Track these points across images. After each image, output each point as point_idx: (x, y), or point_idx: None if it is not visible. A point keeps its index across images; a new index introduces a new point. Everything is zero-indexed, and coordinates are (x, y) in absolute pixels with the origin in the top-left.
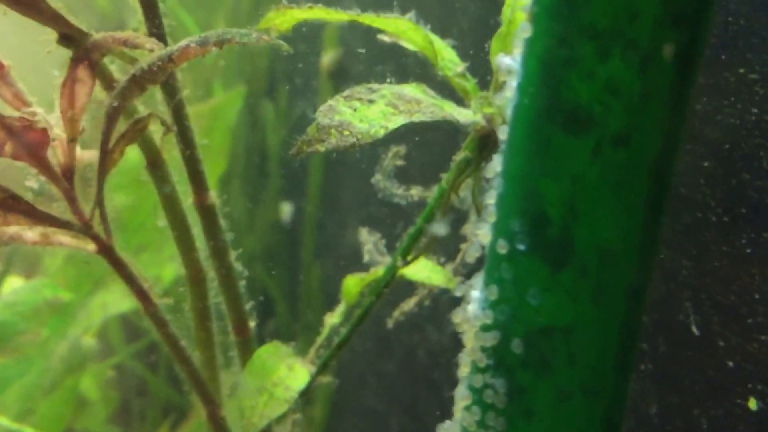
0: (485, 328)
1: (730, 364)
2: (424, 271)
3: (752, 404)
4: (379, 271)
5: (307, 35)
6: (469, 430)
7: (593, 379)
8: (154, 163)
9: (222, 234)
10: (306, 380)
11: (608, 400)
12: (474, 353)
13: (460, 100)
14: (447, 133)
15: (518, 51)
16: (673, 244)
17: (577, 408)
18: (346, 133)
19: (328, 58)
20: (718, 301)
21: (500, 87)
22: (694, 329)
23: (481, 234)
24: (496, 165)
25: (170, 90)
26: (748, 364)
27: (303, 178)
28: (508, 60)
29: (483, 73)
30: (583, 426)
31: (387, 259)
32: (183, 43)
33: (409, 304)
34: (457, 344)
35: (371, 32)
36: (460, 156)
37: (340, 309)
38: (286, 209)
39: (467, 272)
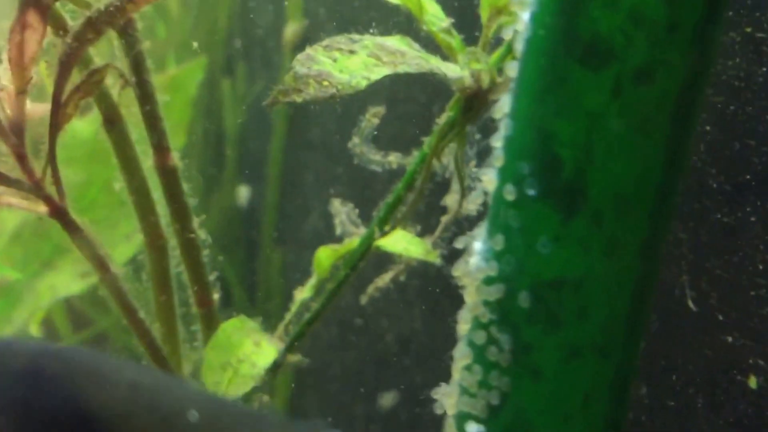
0: (489, 281)
1: (729, 340)
2: (401, 242)
3: (752, 382)
4: (353, 243)
5: (268, 4)
6: (469, 390)
7: (604, 337)
8: (111, 120)
9: (184, 198)
10: (273, 357)
11: (619, 360)
12: (476, 308)
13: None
14: (428, 96)
15: None
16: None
17: (587, 367)
18: (325, 83)
19: (291, 30)
20: (716, 274)
21: (489, 44)
22: (691, 304)
23: (485, 179)
24: (503, 105)
25: (129, 40)
26: (748, 340)
27: (262, 159)
28: None
29: (469, 30)
30: (592, 386)
31: (361, 231)
32: None
33: (384, 279)
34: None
35: (339, 1)
36: (443, 118)
37: (311, 282)
38: (243, 193)
39: (447, 246)
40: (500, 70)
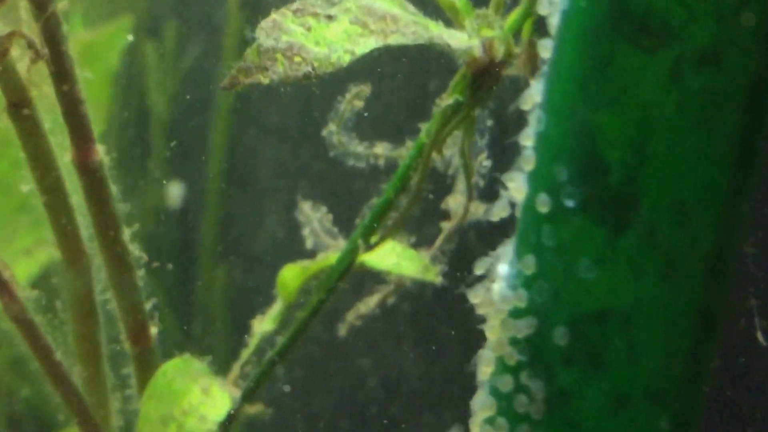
0: (517, 314)
1: None
2: (391, 257)
3: None
4: (328, 259)
5: None
6: None
7: (659, 381)
8: (19, 104)
9: (112, 203)
10: (226, 408)
11: (677, 409)
12: (501, 347)
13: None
14: (426, 69)
15: None
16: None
17: (637, 419)
18: (298, 59)
19: None
20: None
21: (502, 5)
22: (761, 337)
23: (512, 187)
24: (534, 94)
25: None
26: None
27: (200, 147)
28: None
29: None
30: None
31: (339, 243)
32: None
33: (368, 305)
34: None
35: None
36: (446, 100)
37: (275, 310)
38: (175, 191)
39: (452, 260)
40: (517, 37)
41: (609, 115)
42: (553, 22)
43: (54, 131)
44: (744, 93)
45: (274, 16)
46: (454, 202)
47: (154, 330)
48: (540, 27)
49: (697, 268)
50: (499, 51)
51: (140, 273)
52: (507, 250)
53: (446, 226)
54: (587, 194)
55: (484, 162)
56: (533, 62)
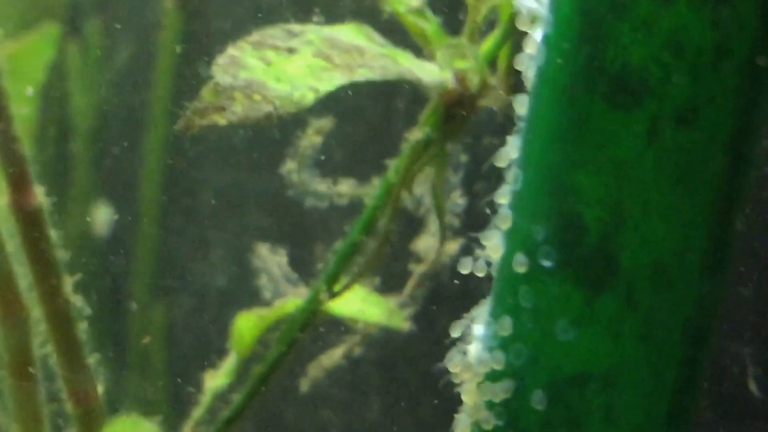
0: (494, 377)
1: None
2: (353, 302)
3: None
4: (286, 306)
5: None
6: None
7: None
8: None
9: (52, 251)
10: None
11: None
12: (477, 412)
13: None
14: (393, 100)
15: None
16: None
17: None
18: (257, 97)
19: None
20: None
21: (477, 31)
22: (753, 387)
23: (489, 246)
24: (510, 150)
25: None
26: None
27: (131, 164)
28: (531, 1)
29: (449, 11)
30: None
31: (299, 290)
32: None
33: (333, 357)
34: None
35: None
36: (416, 134)
37: (229, 364)
38: (103, 215)
39: (424, 306)
40: (493, 65)
41: (586, 174)
42: (529, 75)
43: None
44: (722, 150)
45: (232, 51)
46: (425, 243)
47: (99, 388)
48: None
49: (677, 329)
50: (474, 82)
51: (83, 326)
52: (483, 310)
53: (417, 268)
54: (564, 254)
55: (457, 199)
56: (510, 92)
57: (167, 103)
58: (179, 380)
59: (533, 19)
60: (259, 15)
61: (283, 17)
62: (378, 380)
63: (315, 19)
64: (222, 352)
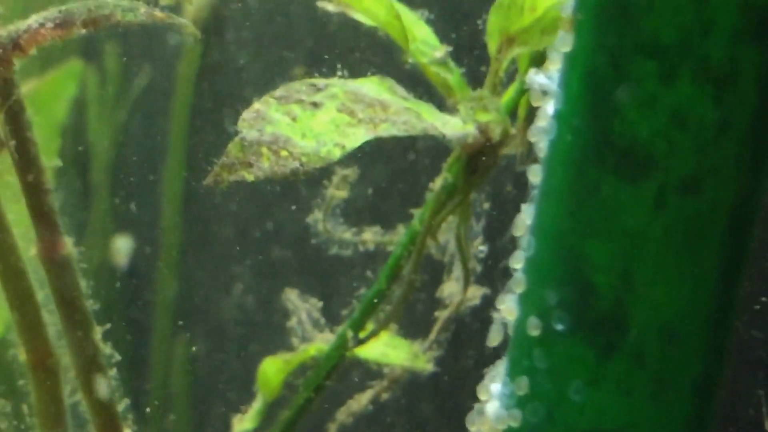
0: None
1: None
2: (377, 345)
3: None
4: (309, 351)
5: None
6: None
7: None
8: None
9: (82, 299)
10: None
11: None
12: None
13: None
14: (416, 150)
15: (556, 67)
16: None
17: None
18: (284, 153)
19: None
20: None
21: (500, 83)
22: None
23: (504, 309)
24: (525, 218)
25: (4, 87)
26: None
27: (152, 194)
28: (543, 78)
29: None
30: None
31: (326, 336)
32: (32, 21)
33: (360, 402)
34: None
35: None
36: (439, 182)
37: (256, 408)
38: (122, 246)
39: (449, 348)
40: (513, 116)
41: (596, 242)
42: (541, 148)
43: (17, 222)
44: (726, 218)
45: (257, 105)
46: (449, 289)
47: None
48: None
49: (686, 387)
50: (496, 133)
51: (112, 373)
52: (500, 369)
53: (442, 314)
54: (576, 319)
55: (479, 246)
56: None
57: (184, 128)
58: (201, 414)
59: (546, 95)
60: (277, 46)
61: (299, 47)
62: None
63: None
64: (245, 388)
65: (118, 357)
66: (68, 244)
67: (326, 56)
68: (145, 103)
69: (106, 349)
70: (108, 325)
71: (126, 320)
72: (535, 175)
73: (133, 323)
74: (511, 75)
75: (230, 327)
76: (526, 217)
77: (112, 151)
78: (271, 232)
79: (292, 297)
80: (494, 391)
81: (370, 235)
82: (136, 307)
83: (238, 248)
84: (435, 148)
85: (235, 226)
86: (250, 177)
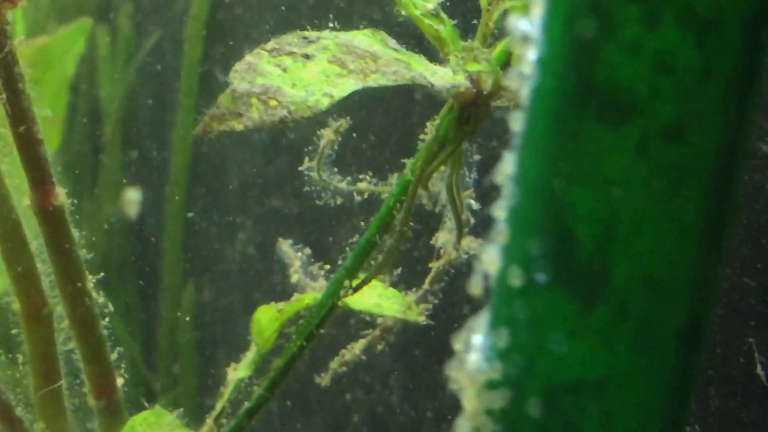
0: (492, 385)
1: None
2: (371, 296)
3: None
4: (303, 300)
5: None
6: None
7: None
8: None
9: (75, 249)
10: None
11: None
12: (476, 418)
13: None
14: (409, 101)
15: (538, 11)
16: (731, 258)
17: None
18: (274, 103)
19: None
20: None
21: (490, 34)
22: (761, 372)
23: (486, 259)
24: (506, 166)
25: None
26: None
27: (160, 149)
28: (524, 24)
29: (464, 13)
30: None
31: (319, 285)
32: None
33: (353, 351)
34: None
35: None
36: (432, 134)
37: (250, 357)
38: (132, 198)
39: (445, 299)
40: (506, 67)
41: (578, 190)
42: (523, 95)
43: (10, 173)
44: (711, 165)
45: (249, 57)
46: (443, 239)
47: (120, 381)
48: None
49: (670, 338)
50: (487, 84)
51: (105, 322)
52: (481, 321)
53: (435, 264)
54: (558, 269)
55: (470, 197)
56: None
57: (193, 89)
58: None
59: (527, 41)
60: (282, 6)
61: (303, 8)
62: (397, 363)
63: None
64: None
65: (110, 307)
66: (61, 195)
67: (330, 14)
68: (155, 61)
69: (100, 298)
70: (115, 275)
71: (134, 272)
72: (517, 122)
73: (143, 274)
74: (502, 29)
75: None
76: (508, 165)
77: (120, 106)
78: (275, 184)
79: (284, 247)
80: (476, 343)
81: (364, 185)
82: (147, 259)
83: (238, 199)
84: (428, 99)
85: (239, 172)
86: (239, 126)
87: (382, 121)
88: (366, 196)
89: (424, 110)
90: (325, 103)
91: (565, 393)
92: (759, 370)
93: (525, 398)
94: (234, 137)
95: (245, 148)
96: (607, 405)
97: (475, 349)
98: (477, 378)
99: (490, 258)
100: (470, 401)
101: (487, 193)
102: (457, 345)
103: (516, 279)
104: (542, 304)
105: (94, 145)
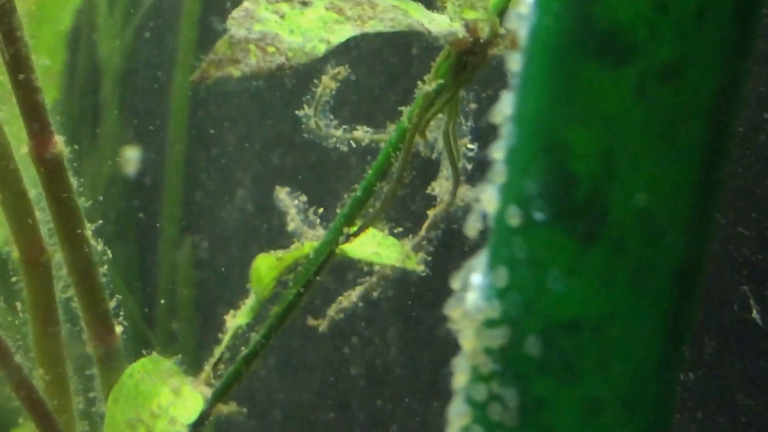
0: (491, 324)
1: None
2: (369, 245)
3: None
4: (302, 249)
5: None
6: None
7: (632, 387)
8: None
9: (73, 197)
10: (198, 409)
11: (650, 414)
12: (476, 356)
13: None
14: (407, 49)
15: None
16: (726, 207)
17: (610, 424)
18: (271, 49)
19: None
20: None
21: None
22: (756, 317)
23: (484, 199)
24: (505, 106)
25: None
26: None
27: (158, 106)
28: None
29: None
30: None
31: (317, 233)
32: None
33: (350, 298)
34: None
35: None
36: (429, 82)
37: (249, 304)
38: (131, 156)
39: (439, 247)
40: (504, 14)
41: (577, 129)
42: (521, 35)
43: (9, 122)
44: (708, 105)
45: (247, 4)
46: (440, 187)
47: (119, 329)
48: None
49: (666, 278)
50: (484, 31)
51: (103, 269)
52: (480, 260)
53: (432, 212)
54: (556, 208)
55: (468, 145)
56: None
57: (191, 47)
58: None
59: None
60: None
61: None
62: (395, 315)
63: None
64: (245, 288)
65: (109, 254)
66: (59, 143)
67: None
68: (155, 18)
69: (99, 246)
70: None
71: (133, 228)
72: (515, 62)
73: (142, 230)
74: None
75: (233, 229)
76: (506, 105)
77: (120, 63)
78: (273, 139)
79: (282, 196)
80: (475, 282)
81: (361, 133)
82: (146, 215)
83: (236, 156)
84: (426, 47)
85: (237, 129)
86: (236, 73)
87: (380, 78)
88: (364, 143)
89: (423, 60)
90: (322, 49)
91: (563, 331)
92: (754, 314)
93: (523, 337)
94: (233, 89)
95: (244, 100)
96: (604, 344)
97: (474, 288)
98: (476, 317)
99: (489, 198)
100: (469, 340)
101: (484, 139)
102: (456, 284)
103: (514, 218)
104: (541, 242)
105: (93, 101)
